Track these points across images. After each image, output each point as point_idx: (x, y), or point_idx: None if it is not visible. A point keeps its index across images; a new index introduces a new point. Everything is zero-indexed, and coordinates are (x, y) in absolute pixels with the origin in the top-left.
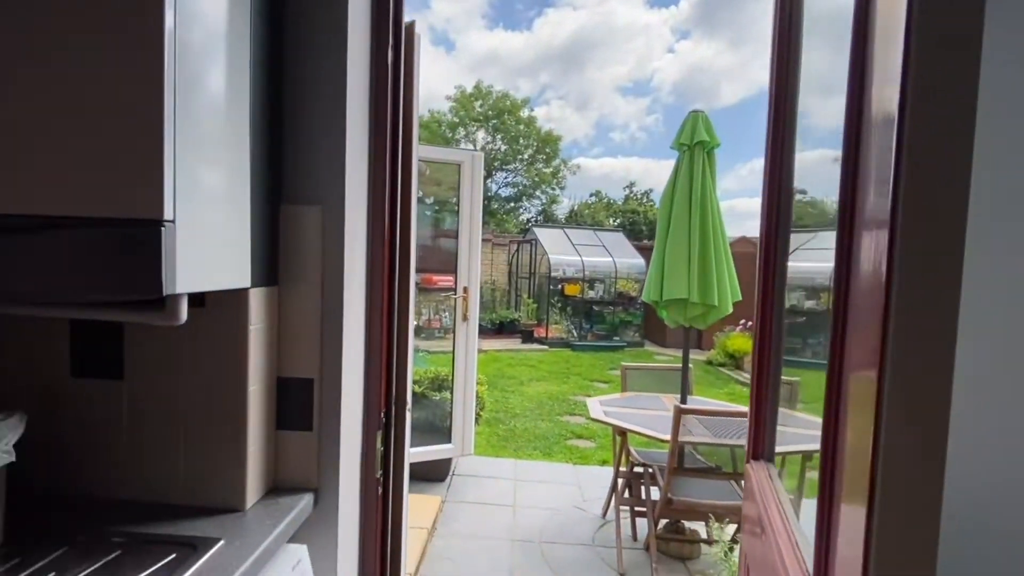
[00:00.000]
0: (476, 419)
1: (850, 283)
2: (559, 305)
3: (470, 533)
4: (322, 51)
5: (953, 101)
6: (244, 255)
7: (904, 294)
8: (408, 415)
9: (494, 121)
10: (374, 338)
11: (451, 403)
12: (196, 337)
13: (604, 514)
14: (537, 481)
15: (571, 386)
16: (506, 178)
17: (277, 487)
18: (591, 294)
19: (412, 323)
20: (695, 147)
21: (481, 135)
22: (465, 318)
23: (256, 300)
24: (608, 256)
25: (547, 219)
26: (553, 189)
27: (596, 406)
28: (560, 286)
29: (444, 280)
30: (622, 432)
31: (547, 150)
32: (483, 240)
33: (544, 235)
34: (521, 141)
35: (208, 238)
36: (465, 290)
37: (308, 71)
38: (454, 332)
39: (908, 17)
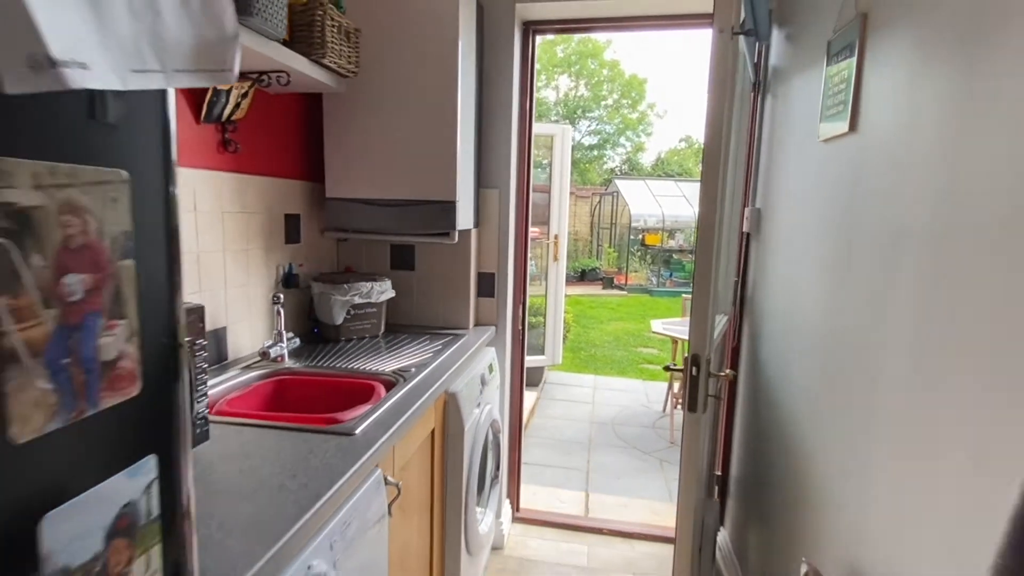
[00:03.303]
0: (563, 339)
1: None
2: (639, 254)
3: (559, 416)
4: (499, 102)
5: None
6: (470, 214)
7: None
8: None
9: (576, 66)
10: (519, 256)
11: (543, 325)
12: (448, 252)
13: (664, 409)
14: (612, 389)
15: (647, 325)
16: (589, 126)
17: (478, 323)
18: (671, 243)
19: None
20: None
21: (564, 81)
22: (556, 259)
23: (473, 235)
24: (689, 207)
25: (631, 168)
26: (638, 136)
27: (658, 324)
28: (641, 236)
29: (532, 232)
30: (675, 341)
31: (632, 94)
32: None
33: (625, 187)
34: (605, 86)
35: (463, 207)
36: (555, 237)
37: (493, 116)
38: (545, 273)
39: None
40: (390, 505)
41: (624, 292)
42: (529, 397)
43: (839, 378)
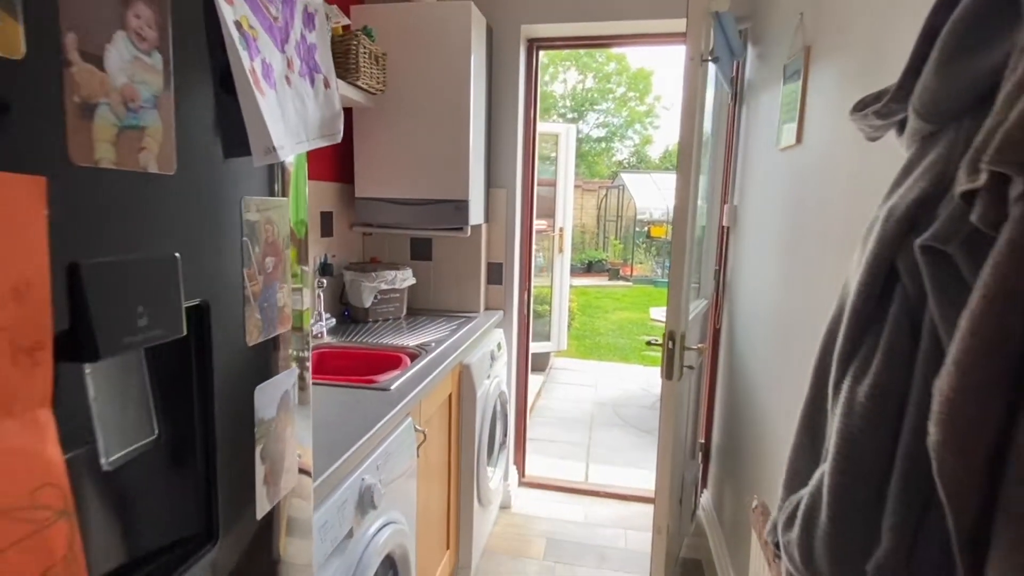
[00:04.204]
0: (568, 327)
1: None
2: (644, 246)
3: (564, 398)
4: (506, 111)
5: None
6: (481, 210)
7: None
8: (532, 297)
9: (584, 59)
10: (524, 247)
11: (550, 312)
12: (461, 245)
13: None
14: (615, 374)
15: (650, 314)
16: (597, 119)
17: (488, 307)
18: None
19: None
20: None
21: (572, 74)
22: (561, 251)
23: (484, 229)
24: None
25: (639, 161)
26: (646, 128)
27: (656, 312)
28: (646, 228)
29: (537, 224)
30: None
31: (640, 86)
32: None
33: (631, 180)
34: (612, 79)
35: (475, 204)
36: (560, 230)
37: (501, 123)
38: (552, 265)
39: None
40: (418, 448)
41: (629, 283)
42: (536, 381)
43: (785, 352)
